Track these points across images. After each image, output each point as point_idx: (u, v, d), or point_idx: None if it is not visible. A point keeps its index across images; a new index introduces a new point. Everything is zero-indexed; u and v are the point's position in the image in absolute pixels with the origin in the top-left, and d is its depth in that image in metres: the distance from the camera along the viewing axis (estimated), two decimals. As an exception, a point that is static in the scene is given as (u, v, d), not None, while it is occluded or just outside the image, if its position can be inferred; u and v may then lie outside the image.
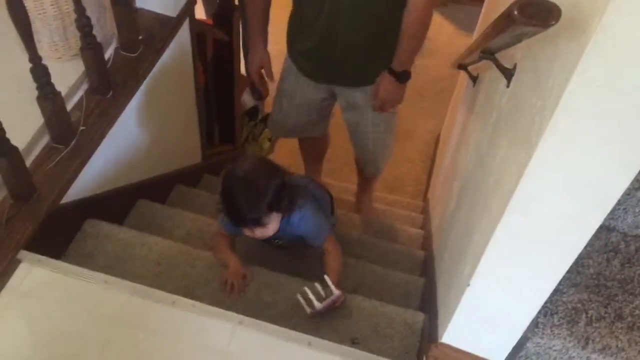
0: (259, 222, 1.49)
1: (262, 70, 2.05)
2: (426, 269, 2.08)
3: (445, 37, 4.09)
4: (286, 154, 3.22)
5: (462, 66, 2.22)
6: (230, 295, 1.61)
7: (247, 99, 3.49)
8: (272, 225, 1.53)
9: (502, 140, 1.22)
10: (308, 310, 1.52)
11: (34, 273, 1.45)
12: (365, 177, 2.54)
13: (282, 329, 1.42)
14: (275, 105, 2.19)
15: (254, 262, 1.74)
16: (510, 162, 1.04)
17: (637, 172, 0.87)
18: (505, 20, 0.91)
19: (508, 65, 1.30)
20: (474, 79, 2.12)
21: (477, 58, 1.63)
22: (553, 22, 0.80)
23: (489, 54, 1.37)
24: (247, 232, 1.55)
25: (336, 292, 1.53)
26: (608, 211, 0.92)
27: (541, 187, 0.93)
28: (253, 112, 3.49)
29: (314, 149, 2.62)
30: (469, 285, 1.17)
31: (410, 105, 3.50)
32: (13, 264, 1.44)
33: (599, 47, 0.75)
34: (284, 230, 1.62)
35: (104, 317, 1.40)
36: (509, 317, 1.19)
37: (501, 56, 1.38)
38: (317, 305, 1.51)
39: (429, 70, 3.81)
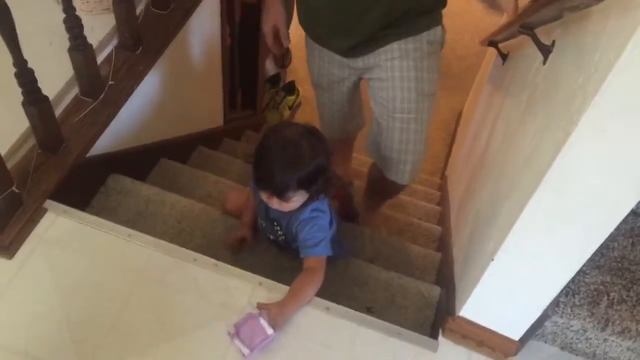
0: (283, 193, 1.34)
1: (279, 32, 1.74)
2: (443, 244, 2.08)
3: (473, 14, 4.03)
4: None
5: (493, 43, 2.19)
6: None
7: (269, 66, 3.47)
8: (293, 203, 1.38)
9: (536, 118, 1.21)
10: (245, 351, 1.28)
11: (60, 222, 1.47)
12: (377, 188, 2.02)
13: (301, 292, 1.43)
14: (318, 105, 1.94)
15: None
16: (546, 139, 1.03)
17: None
18: (555, -8, 0.89)
19: (546, 42, 1.28)
20: (504, 57, 2.10)
21: (513, 33, 1.61)
22: (608, -5, 0.78)
23: (528, 29, 1.34)
24: (264, 196, 1.40)
25: (269, 331, 1.29)
26: (645, 192, 0.91)
27: (579, 164, 0.92)
28: (275, 80, 3.48)
29: (347, 139, 2.21)
30: (492, 260, 1.16)
31: (434, 81, 3.46)
32: (39, 212, 1.46)
33: (655, 22, 0.74)
34: (289, 218, 1.49)
35: (126, 270, 1.42)
36: (531, 294, 1.19)
37: (538, 33, 1.35)
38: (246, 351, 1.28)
39: (456, 46, 3.77)
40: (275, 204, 1.39)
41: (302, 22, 1.68)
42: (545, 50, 1.26)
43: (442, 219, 2.38)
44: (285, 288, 1.41)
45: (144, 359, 1.29)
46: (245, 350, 1.28)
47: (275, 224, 1.56)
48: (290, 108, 3.44)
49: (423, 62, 1.60)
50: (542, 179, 0.98)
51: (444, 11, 1.63)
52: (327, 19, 1.58)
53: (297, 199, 1.37)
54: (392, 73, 1.60)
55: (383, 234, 2.11)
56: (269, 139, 1.36)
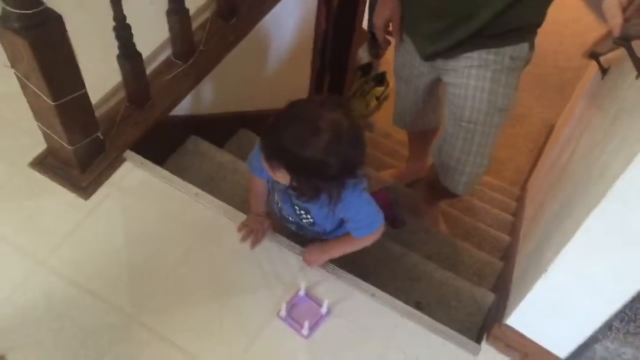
0: (269, 157, 1.19)
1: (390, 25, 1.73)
2: (508, 253, 2.03)
3: (582, 25, 3.82)
4: (389, 117, 3.19)
5: (594, 55, 2.08)
6: (243, 240, 1.46)
7: (362, 55, 3.48)
8: (277, 176, 1.22)
9: (618, 131, 1.15)
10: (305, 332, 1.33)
11: (136, 173, 1.56)
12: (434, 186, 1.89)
13: (349, 275, 1.45)
14: (395, 93, 1.96)
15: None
16: (621, 152, 0.98)
17: None
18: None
19: (643, 56, 1.21)
20: (604, 71, 1.99)
21: (611, 46, 1.53)
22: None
23: (624, 40, 1.27)
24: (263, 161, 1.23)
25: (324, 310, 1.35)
26: None
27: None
28: (367, 69, 3.47)
29: (425, 136, 2.20)
30: (546, 271, 1.13)
31: (529, 90, 3.34)
32: (118, 161, 1.55)
33: None
34: (319, 211, 1.33)
35: (189, 227, 1.49)
36: (581, 312, 1.14)
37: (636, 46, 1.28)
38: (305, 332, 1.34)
39: (559, 57, 3.60)
40: (264, 163, 1.23)
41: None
42: (639, 63, 1.20)
43: (513, 229, 2.31)
44: (334, 268, 1.45)
45: (191, 312, 1.35)
46: (305, 332, 1.32)
47: (297, 207, 1.38)
48: (377, 99, 3.43)
49: (502, 75, 1.56)
50: (610, 189, 0.94)
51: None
52: (421, 25, 1.59)
53: (280, 175, 1.21)
54: (468, 80, 1.57)
55: (445, 232, 2.08)
56: (312, 106, 1.19)
